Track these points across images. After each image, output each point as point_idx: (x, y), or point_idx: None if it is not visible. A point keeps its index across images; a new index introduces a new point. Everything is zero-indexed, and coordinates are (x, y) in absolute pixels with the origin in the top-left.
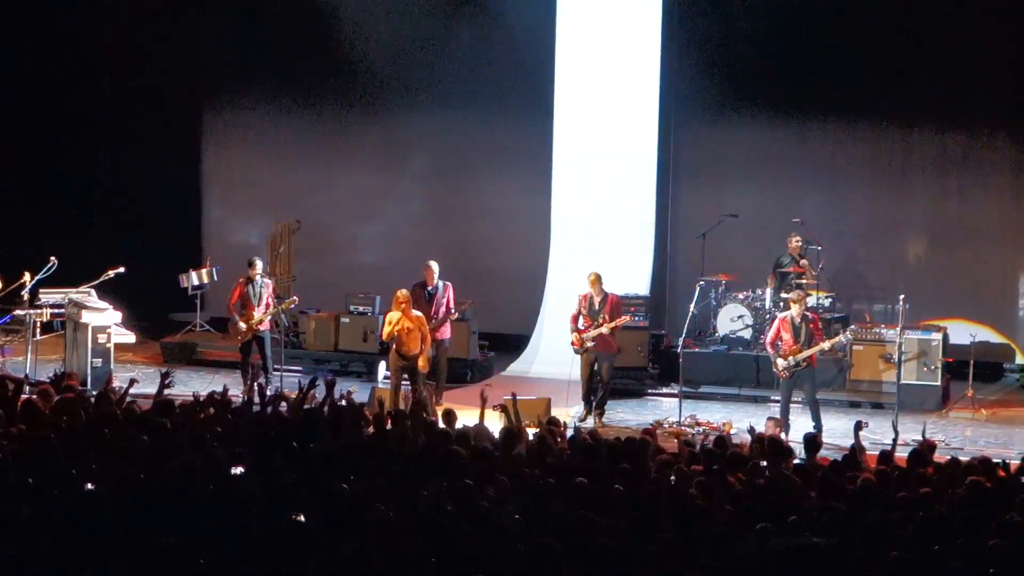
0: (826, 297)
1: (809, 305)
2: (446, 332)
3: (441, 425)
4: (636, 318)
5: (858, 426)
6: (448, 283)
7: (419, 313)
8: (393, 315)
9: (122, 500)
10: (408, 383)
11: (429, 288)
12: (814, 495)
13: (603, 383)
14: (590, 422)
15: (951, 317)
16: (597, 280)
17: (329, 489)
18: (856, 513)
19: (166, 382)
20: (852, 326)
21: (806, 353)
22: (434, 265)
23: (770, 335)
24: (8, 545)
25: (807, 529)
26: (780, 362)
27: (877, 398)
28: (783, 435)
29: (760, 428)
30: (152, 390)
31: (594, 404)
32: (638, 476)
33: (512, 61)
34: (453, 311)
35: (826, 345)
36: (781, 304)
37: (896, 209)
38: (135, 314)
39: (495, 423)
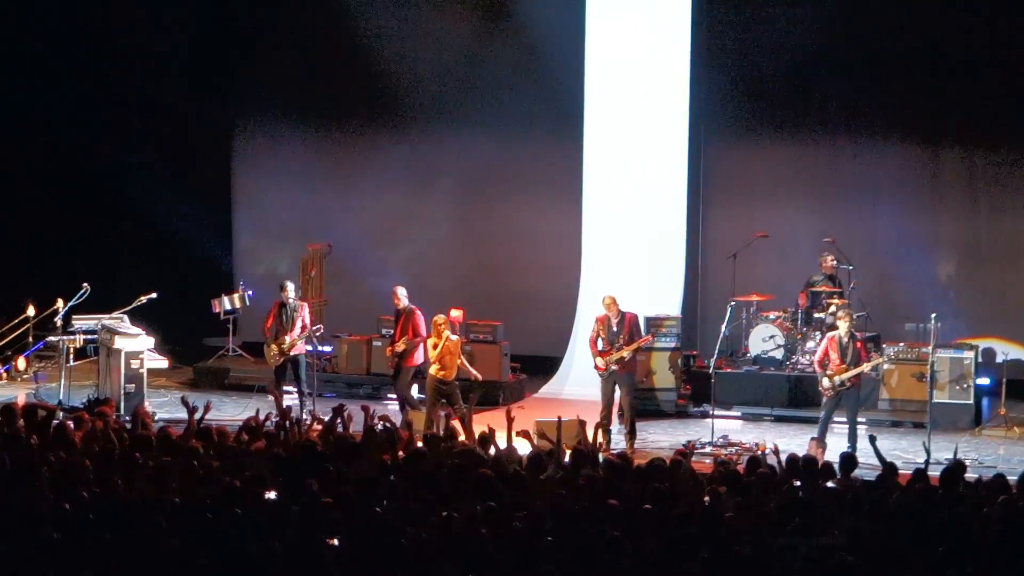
0: (858, 316)
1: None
2: (416, 359)
3: (477, 449)
4: (667, 339)
5: (872, 440)
6: (416, 308)
7: (456, 337)
8: (433, 341)
9: (157, 524)
10: (446, 406)
11: (396, 311)
12: (847, 514)
13: (627, 407)
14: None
15: (983, 336)
16: (613, 303)
17: (363, 512)
18: (890, 532)
19: (191, 407)
20: (885, 346)
21: (850, 374)
22: (399, 290)
23: (819, 354)
24: (45, 568)
25: (841, 548)
26: (825, 381)
27: (911, 417)
28: (822, 455)
29: (793, 448)
30: (183, 415)
31: (623, 430)
32: (672, 497)
33: (541, 82)
34: (416, 338)
35: (867, 367)
36: (813, 324)
37: (926, 227)
38: (168, 339)
39: (524, 446)
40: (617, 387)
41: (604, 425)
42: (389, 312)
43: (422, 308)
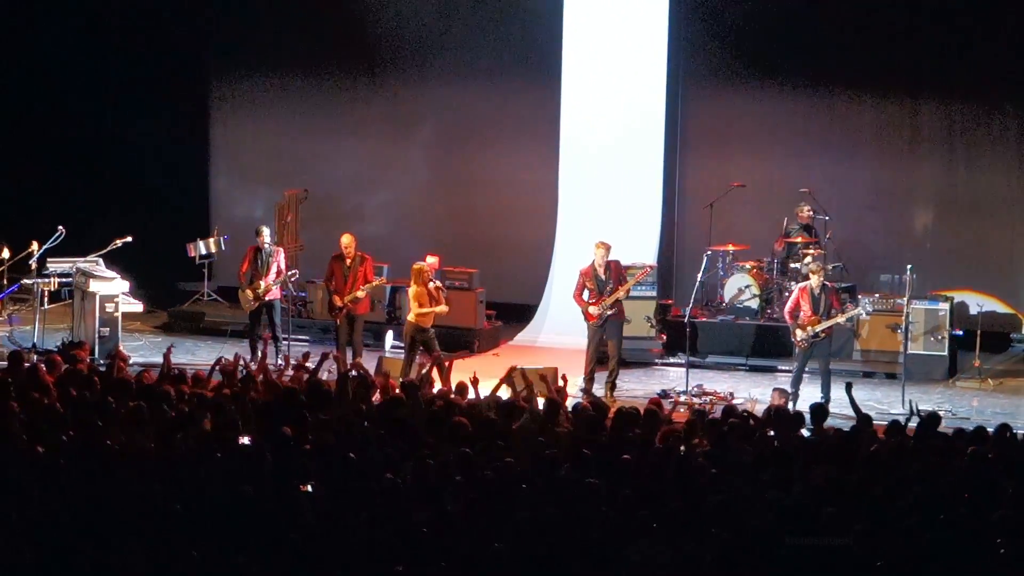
0: (833, 267)
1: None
2: (365, 307)
3: (453, 396)
4: (643, 287)
5: (848, 388)
6: (367, 255)
7: (439, 283)
8: (415, 289)
9: (131, 468)
10: (423, 353)
11: (347, 261)
12: (821, 465)
13: (614, 355)
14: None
15: (958, 288)
16: (608, 250)
17: (338, 458)
18: (863, 483)
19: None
20: (860, 297)
21: (824, 325)
22: (349, 238)
23: (789, 305)
24: (19, 513)
25: (813, 497)
26: (799, 333)
27: (885, 368)
28: (790, 405)
29: (766, 398)
30: (158, 359)
31: (606, 378)
32: (645, 445)
33: (520, 31)
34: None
35: (842, 319)
36: (788, 273)
37: (903, 179)
38: (143, 283)
39: (505, 394)
40: (606, 334)
41: (590, 376)
42: None
43: (397, 255)
